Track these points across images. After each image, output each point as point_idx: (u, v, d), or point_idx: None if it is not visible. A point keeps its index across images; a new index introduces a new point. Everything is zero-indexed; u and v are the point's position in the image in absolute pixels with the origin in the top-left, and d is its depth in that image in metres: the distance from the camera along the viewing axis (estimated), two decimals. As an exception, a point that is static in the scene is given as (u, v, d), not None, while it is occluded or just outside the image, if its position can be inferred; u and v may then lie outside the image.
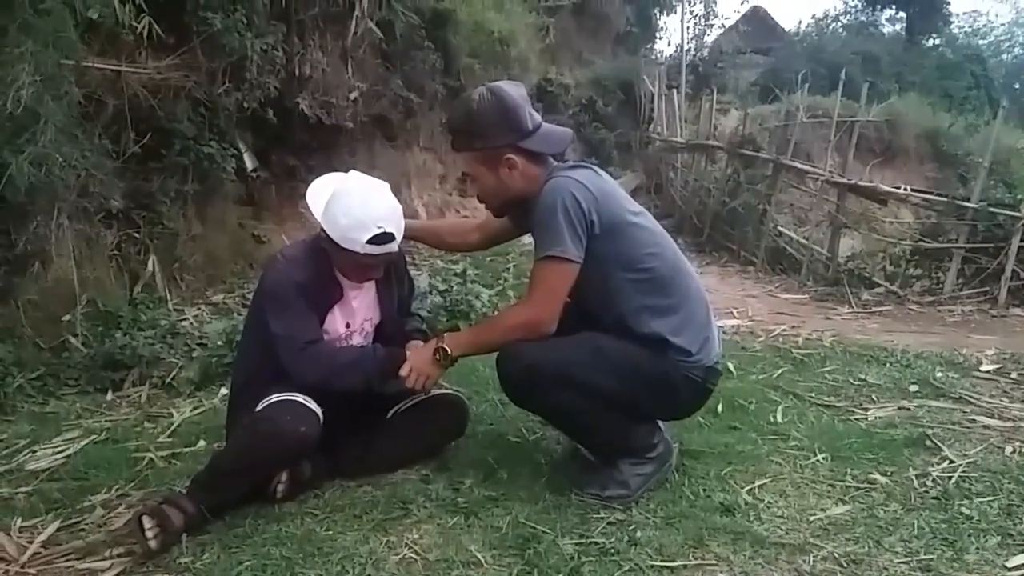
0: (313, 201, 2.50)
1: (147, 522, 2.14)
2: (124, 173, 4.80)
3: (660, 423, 2.60)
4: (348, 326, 2.61)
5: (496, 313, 2.57)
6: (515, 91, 2.45)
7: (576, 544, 2.21)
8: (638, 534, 2.26)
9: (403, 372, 2.47)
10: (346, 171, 2.59)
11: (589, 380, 2.39)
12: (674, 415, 2.68)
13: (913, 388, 3.76)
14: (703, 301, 2.55)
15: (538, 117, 2.49)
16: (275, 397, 2.36)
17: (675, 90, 15.28)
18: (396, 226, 2.43)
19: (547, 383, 2.38)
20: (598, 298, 2.45)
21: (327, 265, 2.53)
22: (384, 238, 2.38)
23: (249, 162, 6.15)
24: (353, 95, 7.18)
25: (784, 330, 5.26)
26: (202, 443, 3.04)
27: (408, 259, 2.78)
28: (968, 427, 3.22)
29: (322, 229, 2.45)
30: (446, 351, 2.46)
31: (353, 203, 2.39)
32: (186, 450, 2.99)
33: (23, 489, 2.66)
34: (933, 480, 2.67)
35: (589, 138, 15.00)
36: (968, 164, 13.57)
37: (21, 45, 3.60)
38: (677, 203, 12.84)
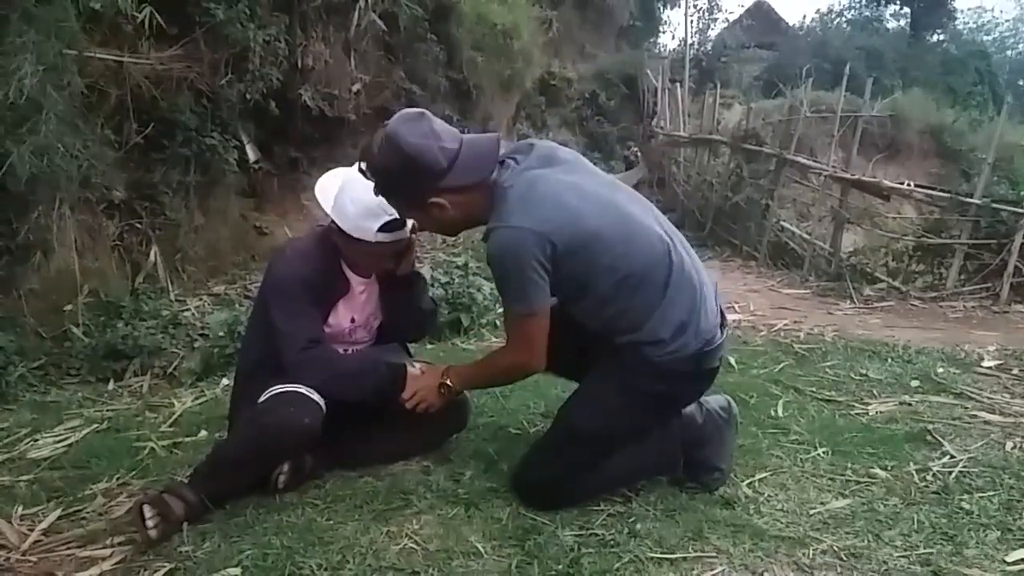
0: (322, 195, 2.48)
1: (148, 511, 2.14)
2: (126, 164, 4.81)
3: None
4: (353, 320, 2.61)
5: (490, 353, 2.54)
6: (414, 130, 2.17)
7: (576, 535, 2.21)
8: (638, 526, 2.26)
9: (405, 396, 2.49)
10: (350, 164, 2.58)
11: (593, 461, 2.38)
12: (683, 406, 2.55)
13: (914, 383, 3.76)
14: (687, 283, 2.33)
15: (454, 142, 2.20)
16: (278, 388, 2.35)
17: (678, 84, 15.26)
18: None
19: (565, 495, 2.38)
20: (577, 310, 2.35)
21: (335, 259, 2.53)
22: (395, 224, 2.38)
23: (251, 154, 6.15)
24: (356, 87, 7.17)
25: (786, 325, 5.27)
26: (203, 433, 3.04)
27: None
28: (969, 422, 3.22)
29: (332, 222, 2.45)
30: (450, 386, 2.48)
31: (362, 193, 2.35)
32: (187, 440, 2.99)
33: (24, 477, 2.66)
34: (933, 475, 2.67)
35: (592, 132, 15.00)
36: (971, 160, 13.58)
37: (23, 35, 3.60)
38: (680, 197, 12.83)
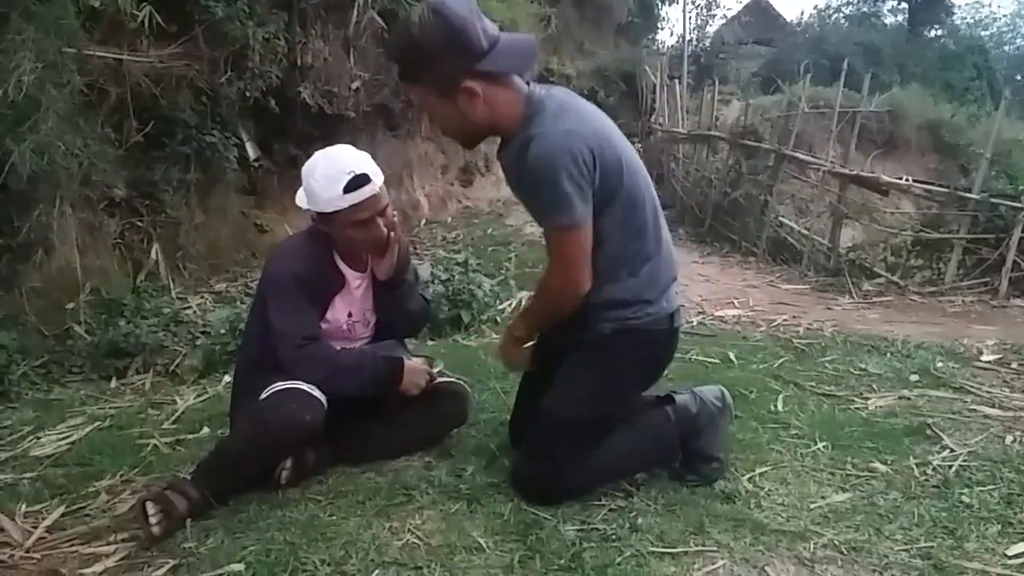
0: (299, 200, 2.51)
1: (151, 508, 2.14)
2: (127, 162, 4.81)
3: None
4: (351, 316, 2.62)
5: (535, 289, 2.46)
6: (460, 4, 2.09)
7: (578, 530, 2.22)
8: (639, 521, 2.26)
9: (402, 388, 2.52)
10: None
11: (586, 447, 2.37)
12: (662, 369, 2.56)
13: (914, 378, 3.77)
14: (669, 246, 2.40)
15: (494, 30, 2.15)
16: (280, 385, 2.36)
17: (677, 81, 15.26)
18: (369, 169, 2.40)
19: (564, 487, 2.38)
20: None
21: (329, 254, 2.54)
22: (359, 180, 2.36)
23: (251, 151, 6.16)
24: (355, 84, 7.17)
25: (785, 320, 5.27)
26: (206, 430, 3.05)
27: (410, 248, 2.77)
28: (968, 416, 3.23)
29: (312, 216, 2.47)
30: (519, 336, 2.44)
31: (318, 166, 2.40)
32: (190, 437, 3.00)
33: (28, 475, 2.67)
34: (933, 469, 2.67)
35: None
36: (970, 155, 13.53)
37: (22, 32, 3.60)
38: (679, 194, 12.83)
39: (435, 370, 2.74)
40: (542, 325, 2.43)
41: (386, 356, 2.59)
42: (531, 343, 2.48)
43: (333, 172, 2.37)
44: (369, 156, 2.49)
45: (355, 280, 2.60)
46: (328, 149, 2.49)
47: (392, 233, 2.53)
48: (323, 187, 2.37)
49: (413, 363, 2.60)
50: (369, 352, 2.61)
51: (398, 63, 2.20)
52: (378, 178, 2.43)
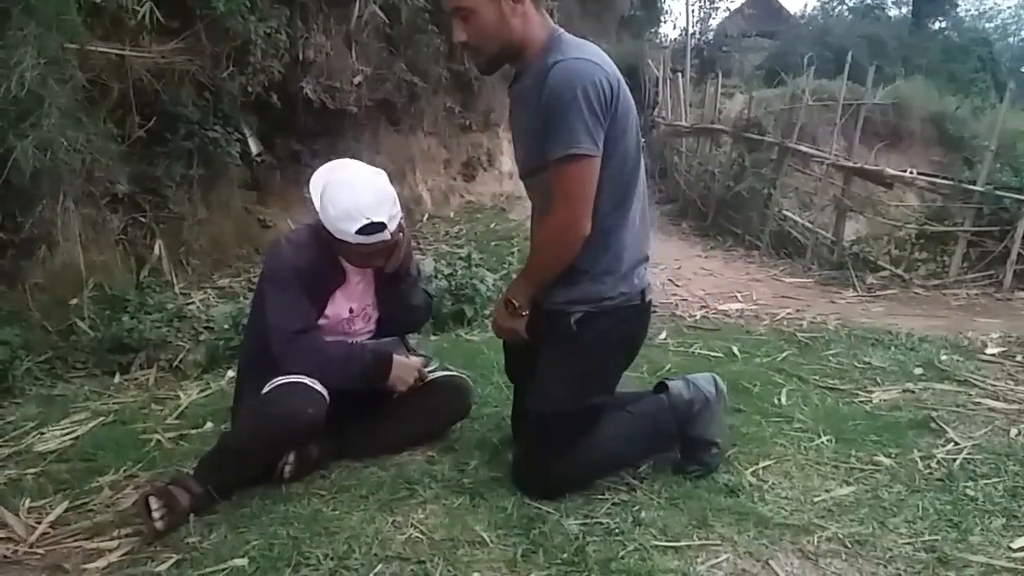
0: (314, 191, 2.50)
1: (154, 503, 2.15)
2: (129, 157, 4.80)
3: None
4: (351, 311, 2.62)
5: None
6: None
7: (581, 524, 2.22)
8: (642, 514, 2.26)
9: (390, 382, 2.52)
10: (351, 156, 2.59)
11: (579, 436, 2.38)
12: (638, 345, 2.56)
13: (918, 371, 3.76)
14: (646, 225, 2.42)
15: None
16: (282, 379, 2.37)
17: (680, 74, 15.23)
18: (387, 215, 2.39)
19: (564, 480, 2.39)
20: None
21: (330, 249, 2.54)
22: (373, 228, 2.36)
23: (254, 146, 6.14)
24: (357, 79, 7.15)
25: (789, 314, 5.27)
26: (209, 425, 3.06)
27: (412, 243, 2.77)
28: (973, 409, 3.23)
29: (318, 222, 2.47)
30: (515, 304, 2.35)
31: (341, 194, 2.38)
32: (193, 432, 3.00)
33: (31, 470, 2.67)
34: (938, 462, 2.67)
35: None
36: (974, 147, 13.49)
37: (24, 28, 3.59)
38: (682, 187, 12.81)
39: (429, 368, 2.73)
40: (543, 280, 2.33)
41: (375, 351, 2.59)
42: (526, 312, 2.38)
43: (352, 210, 2.35)
44: (393, 194, 2.46)
45: (355, 275, 2.60)
46: (355, 172, 2.48)
47: (400, 235, 2.54)
48: (336, 216, 2.37)
49: (403, 359, 2.60)
50: (359, 346, 2.61)
51: None
52: (393, 223, 2.42)
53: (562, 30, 2.28)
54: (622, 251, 2.31)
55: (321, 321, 2.55)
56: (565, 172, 2.16)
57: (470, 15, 2.18)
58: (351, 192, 2.39)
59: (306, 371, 2.40)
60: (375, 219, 2.35)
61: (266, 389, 2.38)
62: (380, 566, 2.02)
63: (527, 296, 2.35)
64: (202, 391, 3.51)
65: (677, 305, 5.64)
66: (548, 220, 2.26)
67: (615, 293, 2.32)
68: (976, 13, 34.20)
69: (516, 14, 2.17)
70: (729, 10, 28.61)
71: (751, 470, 2.58)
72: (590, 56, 2.16)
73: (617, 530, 2.18)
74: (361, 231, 2.35)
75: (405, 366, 2.59)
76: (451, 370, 2.91)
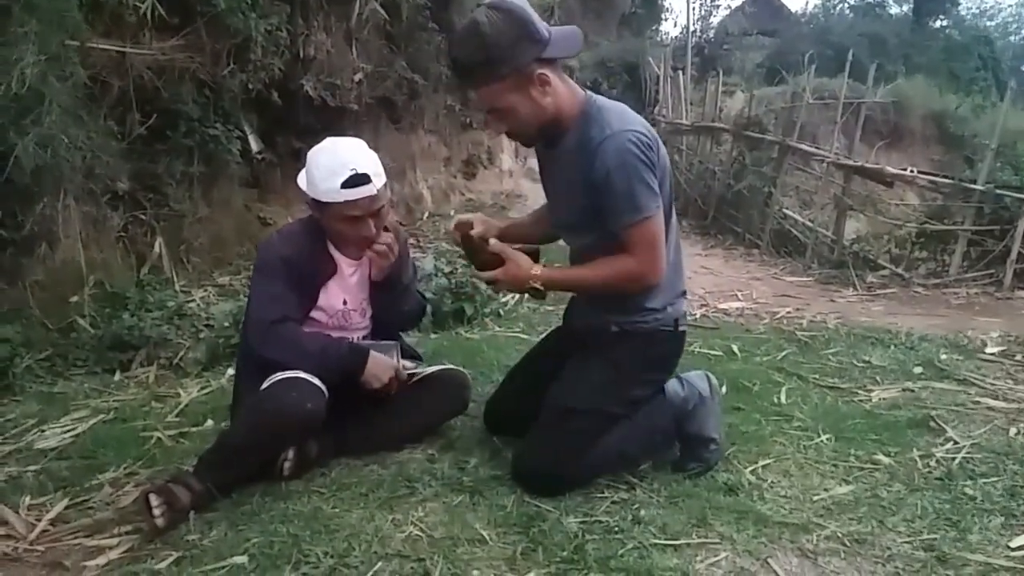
0: (301, 176, 2.53)
1: (154, 500, 2.15)
2: (130, 155, 4.79)
3: None
4: (346, 303, 2.63)
5: (602, 260, 2.41)
6: None
7: (580, 522, 2.22)
8: (642, 513, 2.27)
9: (364, 378, 2.51)
10: None
11: (589, 441, 2.41)
12: (670, 370, 2.61)
13: (917, 370, 3.77)
14: (680, 253, 2.53)
15: (543, 21, 2.26)
16: (280, 375, 2.37)
17: (681, 72, 15.18)
18: (371, 169, 2.41)
19: (566, 479, 2.41)
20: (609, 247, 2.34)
21: (321, 240, 2.57)
22: (358, 179, 2.37)
23: (254, 144, 6.14)
24: (358, 77, 7.14)
25: (789, 312, 5.27)
26: (209, 423, 3.06)
27: (412, 241, 2.77)
28: (972, 408, 3.23)
29: (308, 201, 2.48)
30: (538, 288, 2.39)
31: (323, 157, 2.42)
32: (193, 429, 3.00)
33: (32, 468, 2.67)
34: (937, 461, 2.68)
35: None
36: (975, 146, 13.48)
37: (25, 24, 3.58)
38: (682, 185, 12.77)
39: (409, 371, 2.73)
40: (585, 294, 2.53)
41: (352, 345, 2.59)
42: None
43: (336, 165, 2.38)
44: (376, 156, 2.50)
45: (349, 267, 2.61)
46: (338, 139, 2.51)
47: (393, 238, 2.55)
48: (323, 177, 2.39)
49: (380, 356, 2.57)
50: (336, 340, 2.59)
51: (471, 68, 2.23)
52: (379, 179, 2.43)
53: (593, 94, 2.36)
54: (666, 284, 2.42)
55: (317, 313, 2.57)
56: (641, 233, 2.26)
57: (508, 111, 2.27)
58: (332, 152, 2.43)
59: (280, 359, 2.41)
60: (359, 169, 2.37)
61: (265, 384, 2.38)
62: (380, 564, 2.02)
63: (554, 288, 2.47)
64: (202, 389, 3.52)
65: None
66: (627, 262, 2.31)
67: (650, 319, 2.42)
68: (977, 11, 34.26)
69: (546, 95, 2.24)
70: (730, 8, 28.60)
71: (750, 469, 2.59)
72: (632, 124, 2.26)
73: (616, 528, 2.19)
74: (346, 183, 2.36)
75: (380, 364, 2.55)
76: (448, 364, 2.92)
